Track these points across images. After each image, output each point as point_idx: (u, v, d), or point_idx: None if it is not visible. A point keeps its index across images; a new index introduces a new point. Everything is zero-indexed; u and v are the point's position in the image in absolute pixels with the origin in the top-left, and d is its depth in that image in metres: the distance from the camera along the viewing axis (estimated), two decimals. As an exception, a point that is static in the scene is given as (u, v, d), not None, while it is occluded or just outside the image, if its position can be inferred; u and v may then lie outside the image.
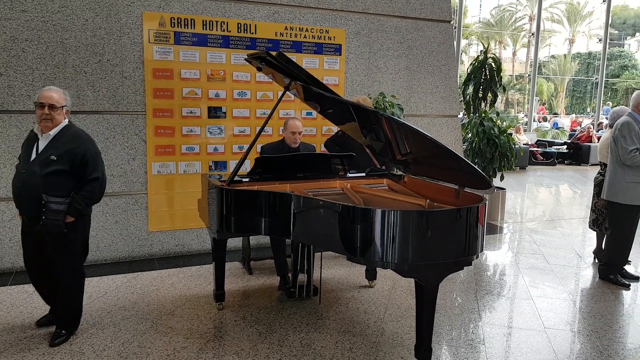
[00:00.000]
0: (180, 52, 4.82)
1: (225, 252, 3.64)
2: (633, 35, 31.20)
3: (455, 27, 14.37)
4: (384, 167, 4.16)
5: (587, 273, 4.75)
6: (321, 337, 3.29)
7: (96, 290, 3.99)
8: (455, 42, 14.83)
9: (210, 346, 3.14)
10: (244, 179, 3.65)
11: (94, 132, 4.55)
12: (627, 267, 4.62)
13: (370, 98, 5.10)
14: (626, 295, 4.20)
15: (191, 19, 4.83)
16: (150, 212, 4.85)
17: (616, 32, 30.58)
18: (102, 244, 4.71)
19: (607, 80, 24.47)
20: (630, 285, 4.38)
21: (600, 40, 17.71)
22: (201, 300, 3.86)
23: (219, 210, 3.29)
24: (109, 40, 4.55)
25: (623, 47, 29.85)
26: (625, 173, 4.23)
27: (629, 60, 27.89)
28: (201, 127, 4.96)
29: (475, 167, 2.96)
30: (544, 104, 24.81)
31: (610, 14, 18.11)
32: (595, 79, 18.58)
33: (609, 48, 27.43)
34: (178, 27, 4.78)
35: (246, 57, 3.58)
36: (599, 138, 12.69)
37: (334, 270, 4.60)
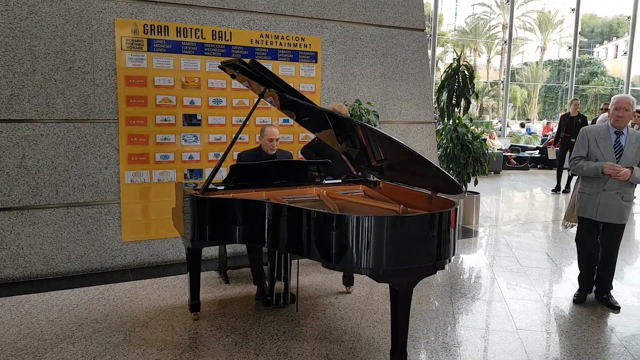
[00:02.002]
0: (154, 60, 4.78)
1: (200, 261, 3.60)
2: (601, 43, 32.11)
3: (430, 35, 14.59)
4: (360, 174, 4.19)
5: (558, 275, 4.85)
6: (298, 345, 3.27)
7: (67, 304, 3.90)
8: (430, 50, 15.07)
9: (185, 357, 3.09)
10: (219, 187, 3.63)
11: (64, 141, 4.48)
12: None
13: (347, 105, 5.13)
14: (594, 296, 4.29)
15: (165, 26, 4.80)
16: (123, 222, 4.77)
17: (586, 40, 31.46)
18: (74, 255, 4.61)
19: (578, 87, 25.13)
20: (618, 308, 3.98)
21: (569, 48, 18.19)
22: (176, 310, 3.81)
23: (193, 219, 3.26)
24: (79, 47, 4.49)
25: (592, 55, 30.71)
26: (580, 182, 4.09)
27: (598, 67, 28.69)
28: (176, 134, 4.91)
29: (446, 172, 3.00)
30: (536, 113, 25.36)
31: (580, 23, 18.68)
32: (566, 85, 19.06)
33: (579, 55, 28.19)
34: (151, 34, 4.74)
35: (220, 64, 3.57)
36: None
37: (312, 277, 4.60)
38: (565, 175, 9.88)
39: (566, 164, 8.30)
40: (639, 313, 3.96)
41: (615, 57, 29.79)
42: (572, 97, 12.21)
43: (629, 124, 6.97)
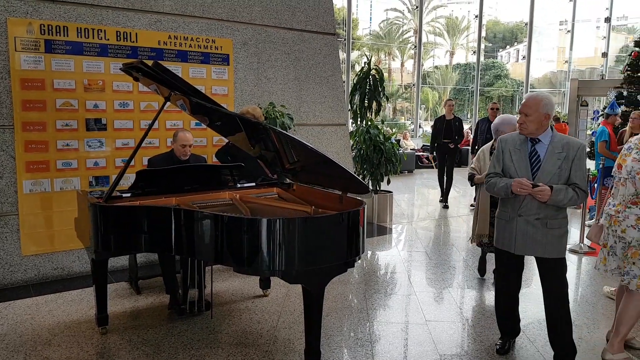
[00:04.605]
0: (53, 61, 4.50)
1: (106, 272, 3.43)
2: (504, 47, 34.55)
3: (344, 39, 14.93)
4: (275, 176, 4.20)
5: (464, 267, 5.16)
6: (212, 352, 3.23)
7: (-44, 326, 3.57)
8: (346, 54, 15.42)
9: (91, 374, 2.95)
10: (124, 194, 3.49)
11: (-51, 149, 4.09)
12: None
13: (260, 108, 5.13)
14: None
15: (64, 26, 4.53)
16: (22, 235, 4.44)
17: (490, 44, 33.72)
18: (-35, 273, 4.22)
19: (483, 89, 26.88)
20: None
21: (474, 53, 19.41)
22: (82, 325, 3.61)
23: (96, 229, 3.11)
24: (-35, 47, 4.12)
25: (496, 59, 32.98)
26: (498, 205, 3.20)
27: (502, 70, 30.88)
28: (79, 140, 4.65)
29: (353, 173, 3.10)
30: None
31: (484, 29, 20.02)
32: (472, 88, 20.31)
33: (484, 59, 30.11)
34: (49, 34, 4.46)
35: (121, 67, 3.43)
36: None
37: (228, 282, 4.54)
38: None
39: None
40: (537, 299, 4.31)
41: (517, 60, 32.13)
42: (447, 98, 10.72)
43: (628, 132, 7.26)
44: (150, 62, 3.23)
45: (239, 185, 4.09)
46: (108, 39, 4.74)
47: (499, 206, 3.17)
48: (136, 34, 4.88)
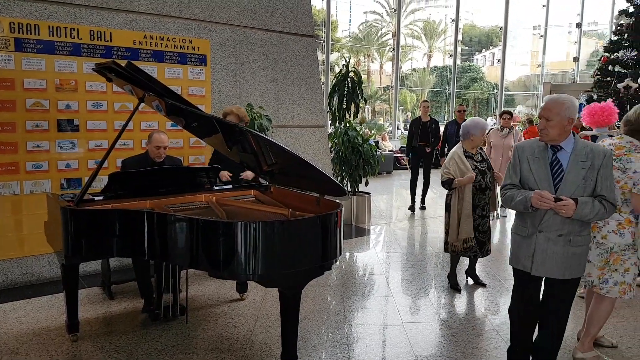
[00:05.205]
0: (23, 60, 4.37)
1: (77, 278, 3.34)
2: (480, 51, 35.10)
3: (323, 41, 14.94)
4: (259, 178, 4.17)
5: (441, 268, 5.19)
6: (187, 358, 3.17)
7: None
8: (325, 55, 15.44)
9: (61, 382, 2.86)
10: (97, 198, 3.40)
11: None
12: None
13: (238, 109, 5.08)
14: (473, 289, 4.66)
15: (35, 25, 4.41)
16: (-10, 239, 4.31)
17: (466, 48, 34.22)
18: None
19: (459, 92, 27.24)
20: None
21: (451, 56, 19.65)
22: (52, 333, 3.51)
23: (66, 233, 3.02)
24: None
25: (473, 62, 33.49)
26: (514, 219, 2.90)
27: (477, 73, 31.38)
28: (50, 141, 4.53)
29: (330, 176, 3.09)
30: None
31: (461, 32, 20.30)
32: (448, 90, 20.56)
33: (461, 62, 30.51)
34: (19, 33, 4.34)
35: (94, 67, 3.35)
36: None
37: (204, 286, 4.48)
38: (420, 189, 8.25)
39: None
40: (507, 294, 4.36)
41: (492, 64, 32.67)
42: (423, 99, 9.53)
43: (497, 127, 7.52)
44: (123, 62, 3.17)
45: (215, 188, 4.03)
46: (81, 38, 4.63)
47: (515, 219, 2.85)
48: (110, 33, 4.78)
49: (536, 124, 15.56)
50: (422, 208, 8.25)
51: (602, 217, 2.61)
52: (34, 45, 4.43)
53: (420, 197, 8.28)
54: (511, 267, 2.87)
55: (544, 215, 2.63)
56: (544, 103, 2.67)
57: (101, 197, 3.43)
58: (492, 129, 7.48)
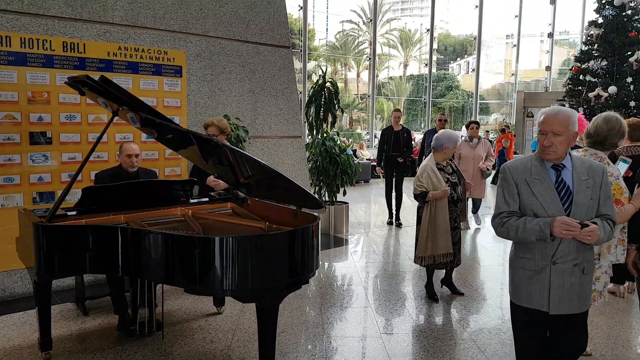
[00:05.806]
0: (-7, 72, 4.30)
1: (49, 295, 3.27)
2: (455, 59, 35.71)
3: (301, 50, 15.01)
4: (232, 191, 4.15)
5: (418, 278, 5.24)
6: (164, 374, 3.14)
7: None
8: (302, 64, 15.51)
9: (33, 403, 2.79)
10: (70, 213, 3.35)
11: None
12: None
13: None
14: (450, 298, 4.72)
15: (6, 36, 4.34)
16: (-42, 255, 4.19)
17: (442, 57, 34.79)
18: None
19: (435, 100, 27.65)
20: None
21: (426, 65, 19.95)
22: (24, 351, 3.42)
23: (38, 250, 2.96)
24: None
25: (448, 70, 34.05)
26: (514, 251, 2.50)
27: (453, 81, 31.90)
28: (21, 154, 4.44)
29: (305, 189, 3.10)
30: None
31: (436, 41, 20.64)
32: (424, 99, 20.85)
33: (436, 71, 30.98)
34: (-11, 43, 4.26)
35: (66, 80, 3.31)
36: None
37: (180, 301, 4.43)
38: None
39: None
40: (486, 307, 4.44)
41: (467, 72, 33.26)
42: (394, 108, 9.14)
43: (466, 137, 7.51)
44: (97, 75, 3.14)
45: (191, 201, 4.01)
46: (54, 50, 4.57)
47: (515, 250, 2.45)
48: (84, 44, 4.73)
49: (509, 132, 15.79)
50: (399, 225, 7.73)
51: (610, 238, 2.39)
52: (6, 57, 4.35)
53: (395, 213, 7.86)
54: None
55: (558, 245, 2.29)
56: (548, 116, 2.31)
57: (74, 212, 3.38)
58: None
